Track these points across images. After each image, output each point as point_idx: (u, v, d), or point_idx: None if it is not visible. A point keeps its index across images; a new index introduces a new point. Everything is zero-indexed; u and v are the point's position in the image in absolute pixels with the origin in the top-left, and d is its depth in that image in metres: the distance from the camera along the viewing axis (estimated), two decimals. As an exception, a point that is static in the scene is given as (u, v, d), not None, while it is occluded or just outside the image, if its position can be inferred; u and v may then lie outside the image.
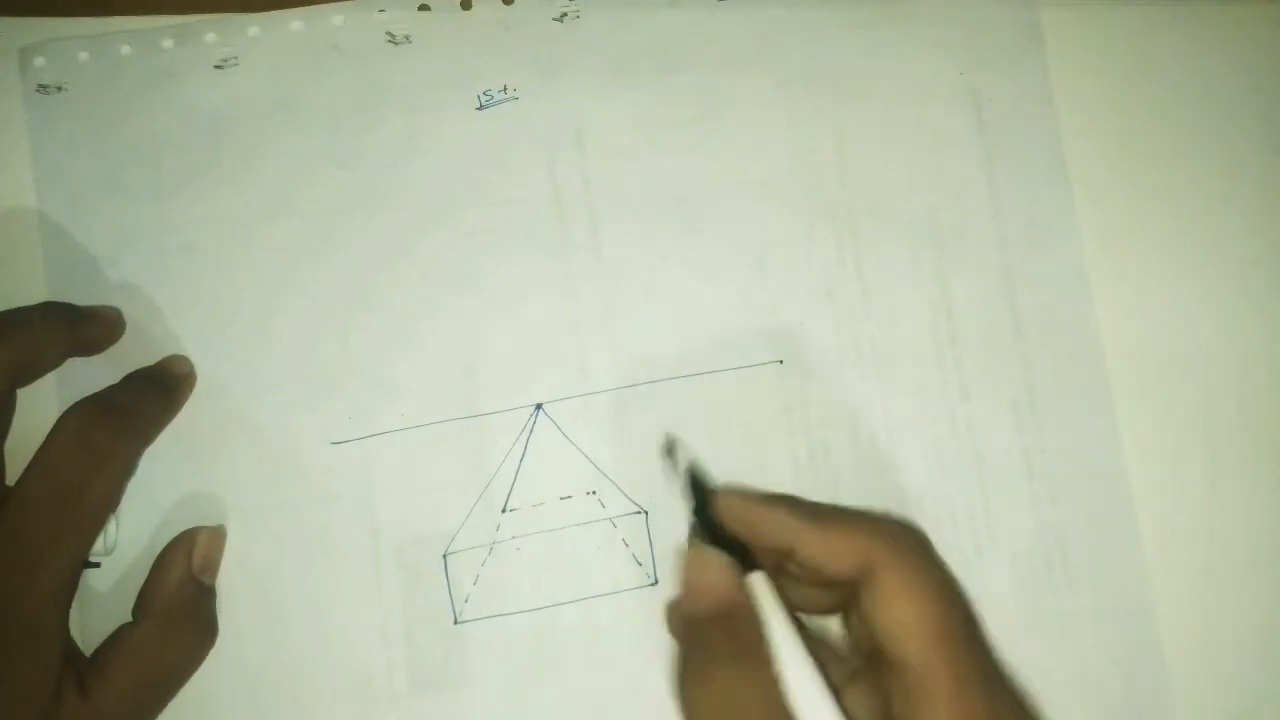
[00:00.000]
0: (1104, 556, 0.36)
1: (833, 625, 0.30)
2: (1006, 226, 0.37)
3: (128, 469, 0.32)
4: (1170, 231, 0.38)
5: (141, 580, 0.33)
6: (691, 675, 0.26)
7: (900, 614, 0.26)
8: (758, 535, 0.29)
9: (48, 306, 0.34)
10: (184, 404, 0.35)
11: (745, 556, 0.28)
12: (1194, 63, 0.38)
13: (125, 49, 0.36)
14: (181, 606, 0.33)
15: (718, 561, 0.28)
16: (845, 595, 0.28)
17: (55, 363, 0.33)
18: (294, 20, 0.37)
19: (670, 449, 0.33)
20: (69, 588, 0.31)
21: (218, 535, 0.34)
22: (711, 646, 0.27)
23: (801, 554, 0.28)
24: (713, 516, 0.30)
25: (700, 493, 0.31)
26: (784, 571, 0.29)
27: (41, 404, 0.34)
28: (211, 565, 0.34)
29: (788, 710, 0.26)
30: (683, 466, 0.32)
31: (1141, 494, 0.36)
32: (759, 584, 0.27)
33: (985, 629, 0.28)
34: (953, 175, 0.37)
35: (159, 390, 0.34)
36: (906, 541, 0.28)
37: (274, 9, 0.37)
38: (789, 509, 0.29)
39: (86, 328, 0.34)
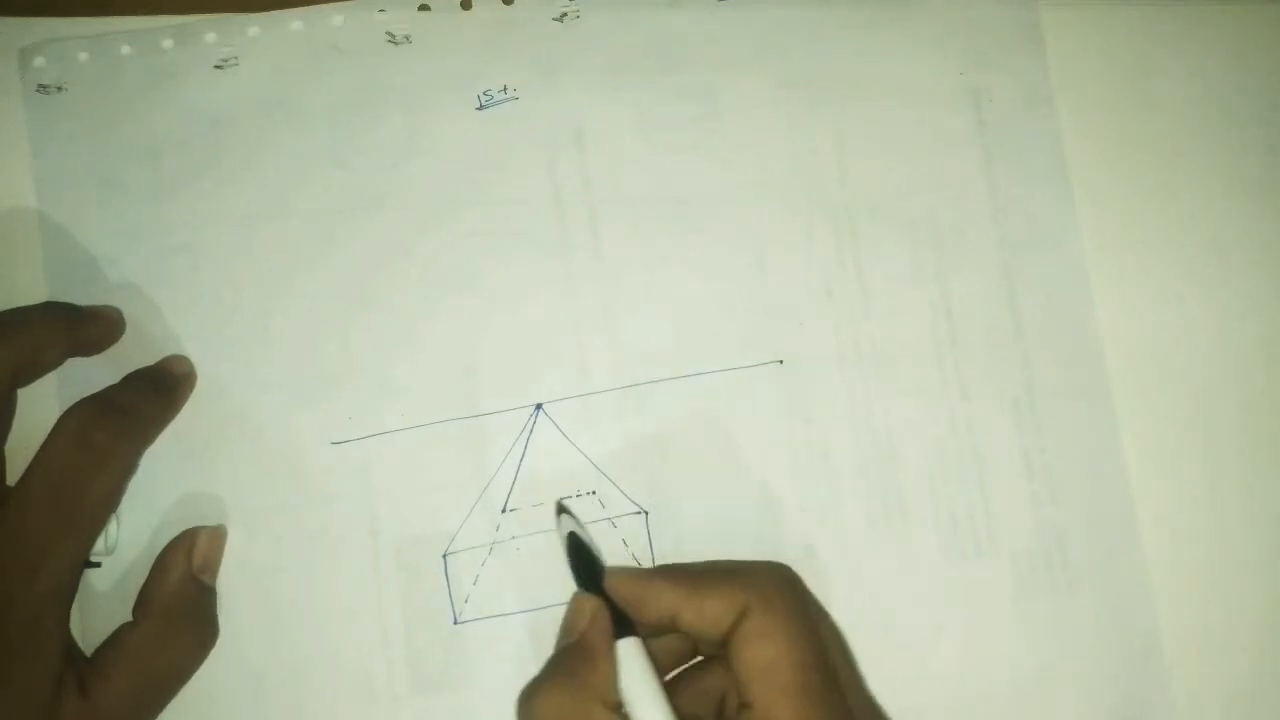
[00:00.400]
0: (1104, 556, 0.36)
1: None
2: (1006, 226, 0.37)
3: (128, 469, 0.32)
4: (1170, 231, 0.38)
5: (141, 580, 0.33)
6: (536, 685, 0.29)
7: (755, 658, 0.28)
8: (643, 611, 0.30)
9: (48, 306, 0.34)
10: (184, 404, 0.35)
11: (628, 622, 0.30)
12: (1194, 63, 0.39)
13: (125, 49, 0.36)
14: (181, 606, 0.33)
15: (588, 606, 0.30)
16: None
17: (55, 363, 0.33)
18: (294, 20, 0.37)
19: (559, 513, 0.34)
20: (69, 588, 0.31)
21: (218, 535, 0.34)
22: (558, 669, 0.29)
23: (682, 623, 0.29)
24: (589, 566, 0.31)
25: (583, 562, 0.32)
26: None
27: (42, 404, 0.34)
28: (212, 565, 0.34)
29: None
30: (565, 534, 0.32)
31: (1141, 494, 0.36)
32: (629, 649, 0.29)
33: (849, 672, 0.30)
34: (953, 175, 0.37)
35: (159, 390, 0.34)
36: (774, 589, 0.29)
37: (274, 9, 0.37)
38: (668, 581, 0.30)
39: (87, 327, 0.34)
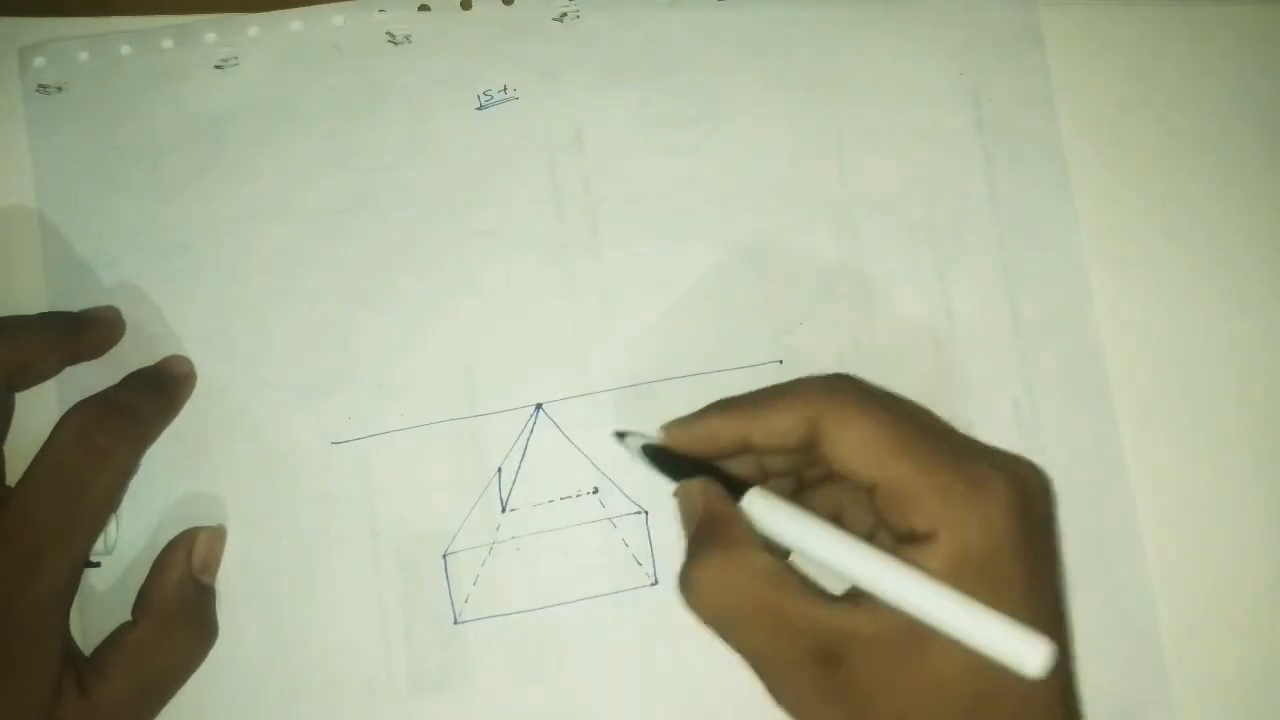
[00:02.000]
0: (1104, 556, 0.36)
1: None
2: (1006, 226, 0.37)
3: (129, 469, 0.32)
4: (1170, 231, 0.38)
5: (141, 580, 0.33)
6: (686, 567, 0.29)
7: (850, 448, 0.28)
8: (713, 448, 0.31)
9: (47, 315, 0.34)
10: (184, 404, 0.35)
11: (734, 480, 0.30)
12: (1194, 63, 0.38)
13: (125, 49, 0.36)
14: (181, 606, 0.33)
15: (694, 486, 0.30)
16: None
17: (55, 369, 0.34)
18: (294, 20, 0.37)
19: (622, 437, 0.34)
20: (70, 587, 0.31)
21: (218, 535, 0.34)
22: (699, 544, 0.29)
23: (756, 446, 0.30)
24: (677, 460, 0.31)
25: (667, 460, 0.32)
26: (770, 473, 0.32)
27: (42, 404, 0.34)
28: (211, 565, 0.34)
29: (773, 586, 0.28)
30: (635, 449, 0.32)
31: (1141, 494, 0.36)
32: (755, 497, 0.29)
33: (931, 414, 0.31)
34: (953, 175, 0.37)
35: (159, 390, 0.34)
36: (838, 387, 0.30)
37: (274, 9, 0.37)
38: (724, 411, 0.31)
39: (86, 333, 0.34)
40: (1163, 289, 0.37)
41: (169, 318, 0.36)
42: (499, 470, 0.35)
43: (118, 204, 0.36)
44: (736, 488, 0.30)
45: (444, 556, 0.35)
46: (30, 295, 0.35)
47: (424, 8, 0.37)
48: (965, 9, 0.38)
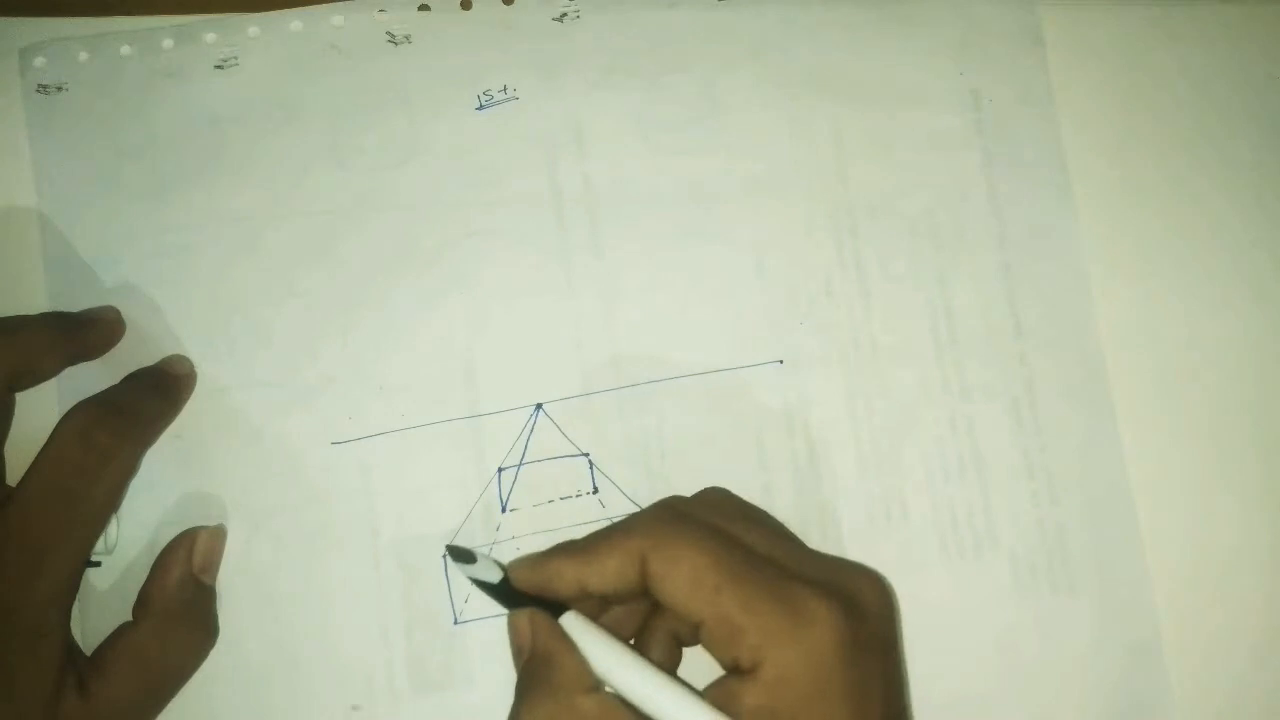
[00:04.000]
0: (1104, 556, 0.36)
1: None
2: (1006, 226, 0.37)
3: (129, 469, 0.32)
4: (1170, 231, 0.38)
5: (142, 580, 0.33)
6: (515, 712, 0.29)
7: (676, 589, 0.29)
8: (553, 591, 0.30)
9: (46, 315, 0.34)
10: (184, 404, 0.35)
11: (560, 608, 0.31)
12: (1194, 62, 0.38)
13: (125, 49, 0.36)
14: (181, 606, 0.33)
15: (521, 620, 0.30)
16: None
17: (54, 369, 0.33)
18: (294, 20, 0.37)
19: (457, 556, 0.32)
20: (71, 588, 0.31)
21: (218, 535, 0.34)
22: (527, 686, 0.29)
23: (592, 589, 0.30)
24: (513, 592, 0.31)
25: (494, 588, 0.31)
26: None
27: (42, 404, 0.34)
28: (211, 565, 0.34)
29: None
30: (469, 573, 0.32)
31: (1141, 494, 0.36)
32: (571, 621, 0.30)
33: (751, 523, 0.31)
34: (953, 175, 0.37)
35: (159, 391, 0.34)
36: (663, 520, 0.30)
37: (274, 9, 0.37)
38: (564, 555, 0.30)
39: (85, 334, 0.34)
40: (1163, 289, 0.37)
41: (169, 317, 0.36)
42: (499, 470, 0.35)
43: (118, 203, 0.36)
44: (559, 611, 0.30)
45: (444, 557, 0.35)
46: (30, 295, 0.35)
47: (424, 8, 0.37)
48: (965, 9, 0.38)
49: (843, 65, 0.38)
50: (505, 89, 0.37)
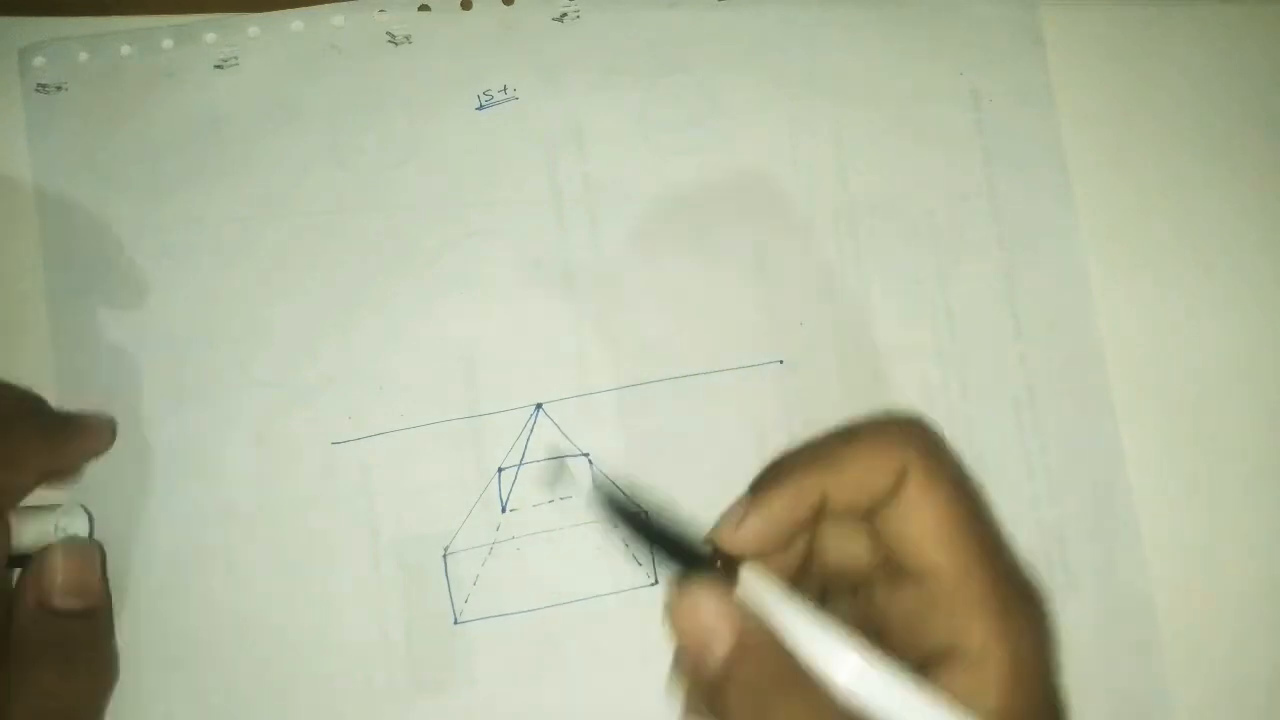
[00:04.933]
0: (1104, 557, 0.36)
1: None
2: (1006, 226, 0.37)
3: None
4: (1170, 231, 0.38)
5: (136, 582, 0.33)
6: None
7: (923, 528, 0.24)
8: (789, 529, 0.25)
9: (20, 407, 0.30)
10: (70, 461, 0.31)
11: (694, 555, 0.25)
12: (1194, 62, 0.38)
13: (125, 49, 0.36)
14: (40, 645, 0.27)
15: (711, 597, 0.24)
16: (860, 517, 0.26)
17: (22, 492, 0.29)
18: (294, 20, 0.37)
19: (558, 474, 0.29)
20: None
21: (80, 552, 0.29)
22: (754, 690, 0.23)
23: (834, 507, 0.25)
24: (653, 524, 0.27)
25: (625, 509, 0.28)
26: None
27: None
28: (80, 586, 0.28)
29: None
30: (600, 495, 0.28)
31: (1141, 494, 0.36)
32: (753, 582, 0.24)
33: (996, 518, 0.26)
34: (953, 175, 0.37)
35: (47, 435, 0.30)
36: (923, 438, 0.25)
37: (274, 8, 0.37)
38: (800, 472, 0.25)
39: (71, 445, 0.30)
40: (1163, 288, 0.37)
41: (168, 317, 0.36)
42: (499, 470, 0.35)
43: (117, 203, 0.36)
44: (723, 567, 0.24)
45: (444, 556, 0.35)
46: (29, 295, 0.35)
47: (424, 8, 0.37)
48: (965, 9, 0.38)
49: (843, 65, 0.38)
50: (505, 89, 0.37)
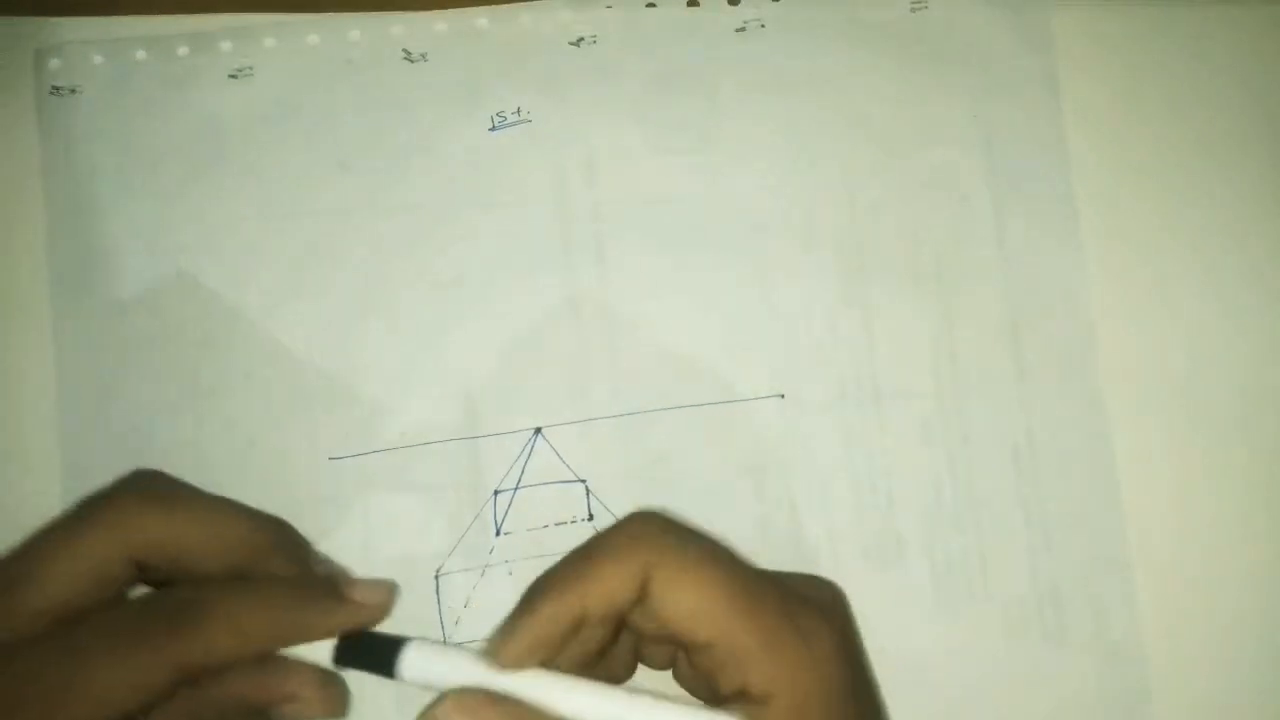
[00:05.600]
0: (1098, 608, 0.35)
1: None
2: (1013, 269, 0.37)
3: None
4: (1182, 277, 0.37)
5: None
6: None
7: (686, 609, 0.27)
8: (555, 641, 0.27)
9: (288, 571, 0.29)
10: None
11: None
12: (1213, 96, 0.38)
13: (140, 54, 0.36)
14: None
15: (472, 701, 0.27)
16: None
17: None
18: (310, 33, 0.37)
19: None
20: None
21: None
22: None
23: (593, 613, 0.27)
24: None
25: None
26: None
27: (46, 405, 0.34)
28: None
29: None
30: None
31: (1140, 548, 0.36)
32: (539, 680, 0.27)
33: (750, 568, 0.28)
34: (961, 217, 0.37)
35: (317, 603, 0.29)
36: (661, 532, 0.28)
37: (287, 10, 0.37)
38: (554, 589, 0.27)
39: (339, 615, 0.29)
40: (1172, 340, 0.37)
41: (174, 325, 0.35)
42: (495, 493, 0.35)
43: (127, 207, 0.36)
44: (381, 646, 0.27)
45: (436, 576, 0.35)
46: (33, 296, 0.35)
47: (442, 27, 0.37)
48: (976, 47, 0.38)
49: (852, 102, 0.38)
50: (519, 111, 0.37)
